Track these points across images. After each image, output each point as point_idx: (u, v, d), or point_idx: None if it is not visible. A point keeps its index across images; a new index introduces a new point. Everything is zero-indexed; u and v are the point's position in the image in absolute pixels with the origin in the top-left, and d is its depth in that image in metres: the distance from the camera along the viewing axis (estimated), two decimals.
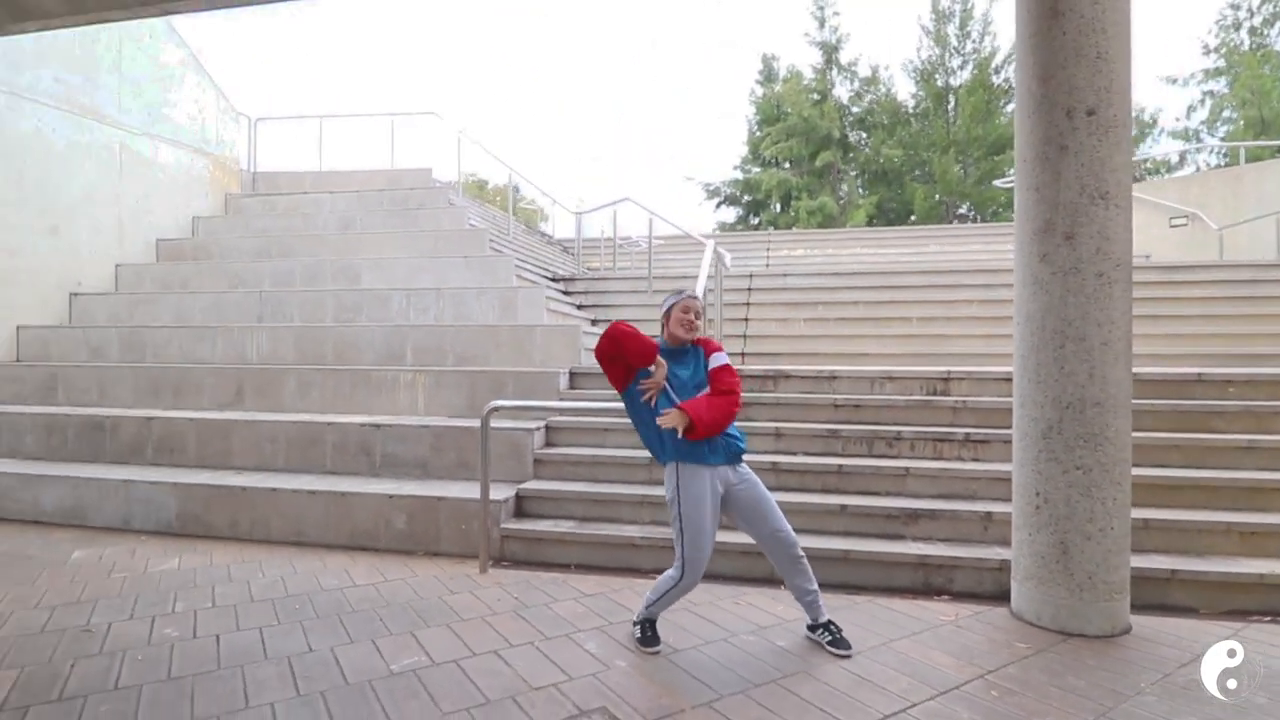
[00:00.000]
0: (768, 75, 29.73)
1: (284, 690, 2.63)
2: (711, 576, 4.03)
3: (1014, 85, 3.59)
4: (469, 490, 4.62)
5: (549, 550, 4.35)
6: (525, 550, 4.38)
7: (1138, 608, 3.55)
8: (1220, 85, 23.64)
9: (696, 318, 2.95)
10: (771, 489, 4.71)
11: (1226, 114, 23.28)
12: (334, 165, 11.50)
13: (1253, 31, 23.39)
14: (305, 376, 6.16)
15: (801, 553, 2.99)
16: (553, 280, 9.08)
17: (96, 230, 8.40)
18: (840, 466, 4.59)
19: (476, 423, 5.23)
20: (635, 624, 3.12)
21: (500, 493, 4.59)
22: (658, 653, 2.97)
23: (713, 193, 29.79)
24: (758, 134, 29.08)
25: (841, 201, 28.13)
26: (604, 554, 4.28)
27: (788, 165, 28.60)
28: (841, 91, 28.45)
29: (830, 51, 28.31)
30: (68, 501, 5.13)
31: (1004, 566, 3.76)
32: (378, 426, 5.25)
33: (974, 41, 26.19)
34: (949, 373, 5.39)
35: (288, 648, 3.00)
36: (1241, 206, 11.65)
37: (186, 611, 3.43)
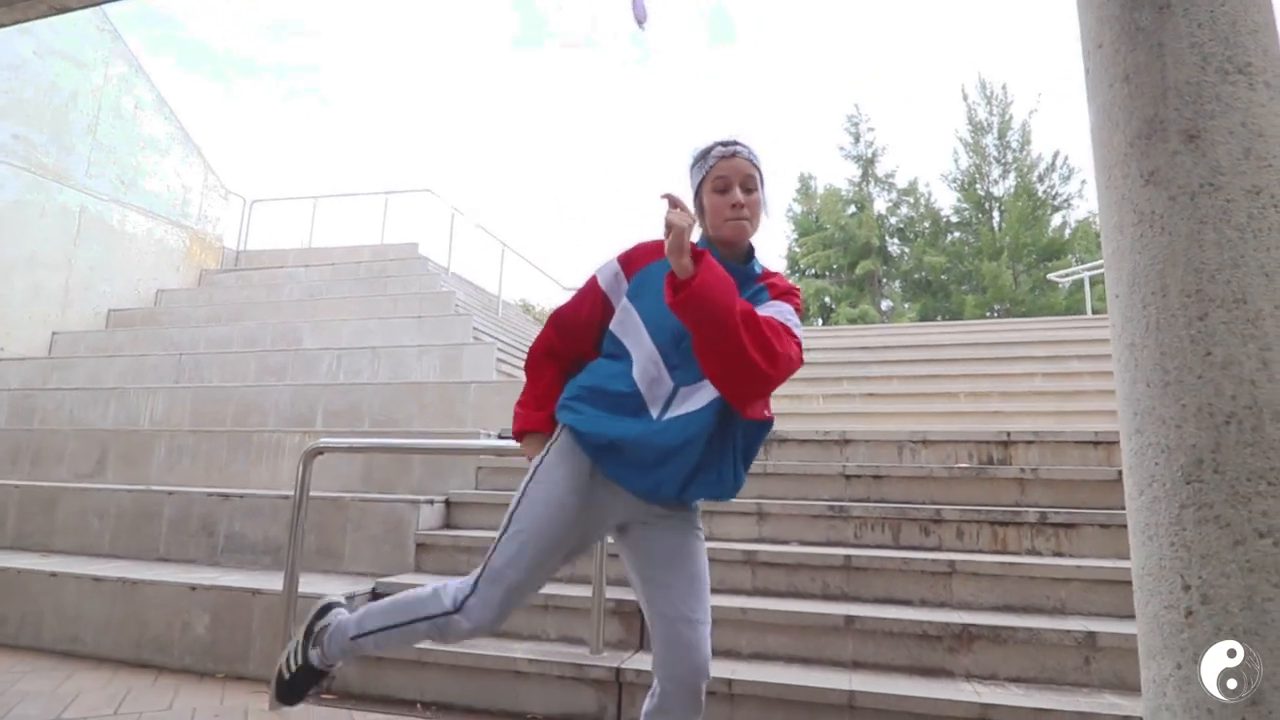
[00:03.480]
0: (805, 192, 29.66)
1: None
2: None
3: None
4: (311, 584, 3.20)
5: (393, 678, 2.84)
6: (362, 677, 2.88)
7: None
8: None
9: (748, 192, 1.50)
10: (747, 593, 3.24)
11: None
12: (327, 242, 10.89)
13: None
14: (178, 441, 4.94)
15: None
16: None
17: (35, 294, 7.66)
18: (849, 559, 3.04)
19: (355, 495, 3.91)
20: (296, 647, 1.81)
21: (343, 588, 3.17)
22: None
23: None
24: (796, 249, 28.62)
25: (884, 311, 27.01)
26: (474, 685, 2.75)
27: (826, 275, 27.90)
28: (880, 204, 28.11)
29: (866, 164, 28.24)
30: None
31: None
32: (225, 497, 3.93)
33: (1014, 151, 25.75)
34: (1009, 435, 3.87)
35: None
36: None
37: None
